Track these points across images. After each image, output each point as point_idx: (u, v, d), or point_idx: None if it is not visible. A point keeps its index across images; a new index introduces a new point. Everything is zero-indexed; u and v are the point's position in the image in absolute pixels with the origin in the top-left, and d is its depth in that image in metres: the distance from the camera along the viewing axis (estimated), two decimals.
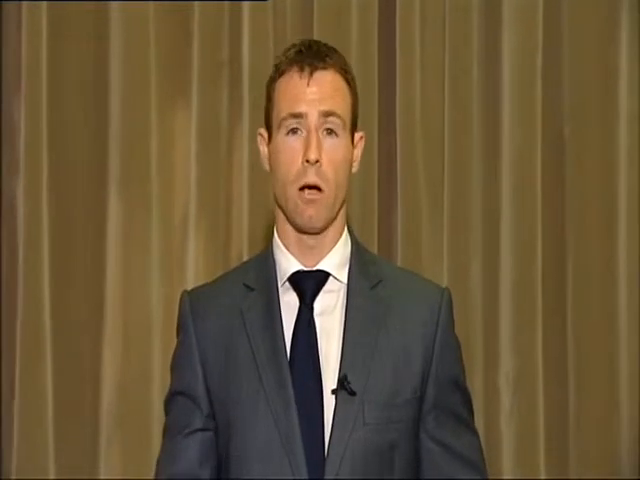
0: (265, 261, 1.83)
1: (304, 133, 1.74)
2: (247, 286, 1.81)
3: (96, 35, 2.47)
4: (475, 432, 1.85)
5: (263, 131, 1.82)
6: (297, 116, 1.74)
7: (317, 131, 1.74)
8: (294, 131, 1.75)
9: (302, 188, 1.74)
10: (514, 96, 2.56)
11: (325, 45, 1.80)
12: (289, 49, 1.80)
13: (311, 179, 1.73)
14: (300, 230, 1.78)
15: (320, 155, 1.73)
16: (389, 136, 2.54)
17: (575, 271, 2.57)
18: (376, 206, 2.53)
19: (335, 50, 1.80)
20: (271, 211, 2.38)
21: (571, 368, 2.56)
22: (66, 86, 2.46)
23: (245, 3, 2.50)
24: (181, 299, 1.85)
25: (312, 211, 1.75)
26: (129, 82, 2.48)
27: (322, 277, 1.79)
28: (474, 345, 2.46)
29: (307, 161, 1.72)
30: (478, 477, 1.82)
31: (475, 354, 2.41)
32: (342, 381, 1.72)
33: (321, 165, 1.73)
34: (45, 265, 2.43)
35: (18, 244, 2.45)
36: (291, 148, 1.74)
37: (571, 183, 2.58)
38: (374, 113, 2.51)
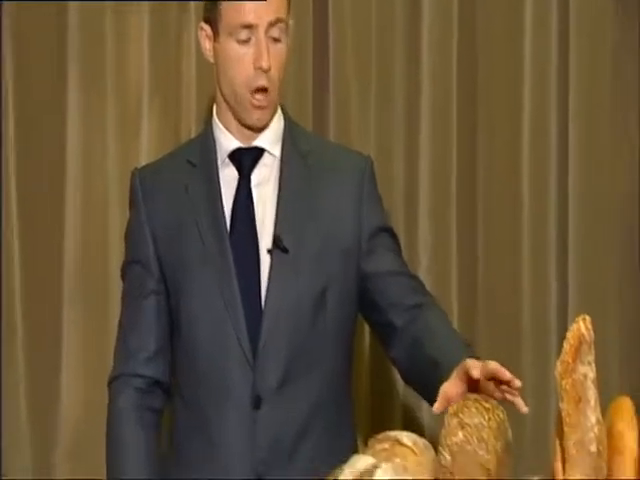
0: (205, 140, 2.00)
1: (254, 41, 1.88)
2: (190, 162, 1.99)
3: None
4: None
5: (206, 27, 1.95)
6: (248, 27, 1.87)
7: (266, 39, 1.88)
8: (245, 41, 1.88)
9: (252, 91, 1.89)
10: None
11: None
12: None
13: (262, 83, 1.89)
14: (245, 126, 1.94)
15: (270, 62, 1.87)
16: (322, 25, 2.62)
17: (484, 146, 2.71)
18: (310, 87, 2.64)
19: None
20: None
21: (480, 231, 2.71)
22: None
23: None
24: (132, 176, 2.04)
25: (260, 114, 1.93)
26: None
27: (258, 152, 1.97)
28: (396, 215, 2.59)
29: (259, 68, 1.87)
30: (430, 298, 1.99)
31: (397, 224, 2.52)
32: (276, 240, 1.91)
33: (270, 70, 1.89)
34: (11, 146, 2.54)
35: None
36: (242, 55, 1.89)
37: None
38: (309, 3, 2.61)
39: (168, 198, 1.98)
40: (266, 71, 1.89)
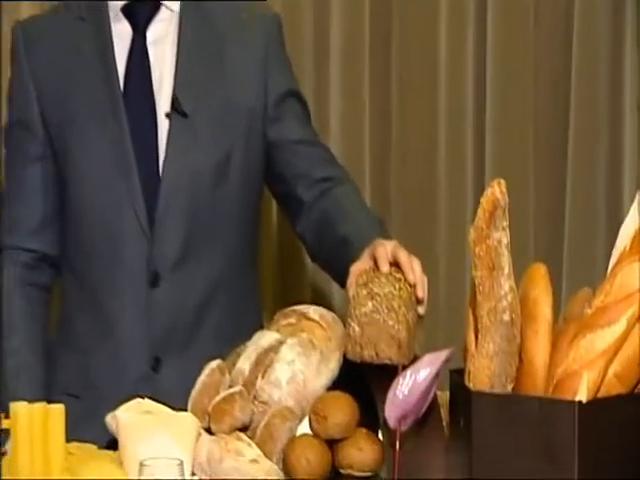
0: None
1: None
2: (79, 17, 1.91)
3: None
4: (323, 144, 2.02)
5: None
6: None
7: None
8: None
9: None
10: None
11: None
12: None
13: None
14: None
15: None
16: None
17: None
18: None
19: None
20: None
21: (394, 95, 2.67)
22: None
23: None
24: (13, 31, 1.96)
25: None
26: None
27: (154, 6, 1.91)
28: (305, 77, 2.51)
29: None
30: (341, 171, 1.96)
31: (306, 87, 2.43)
32: (174, 103, 1.86)
33: None
34: None
35: None
36: None
37: None
38: None
39: (54, 54, 1.91)
40: None
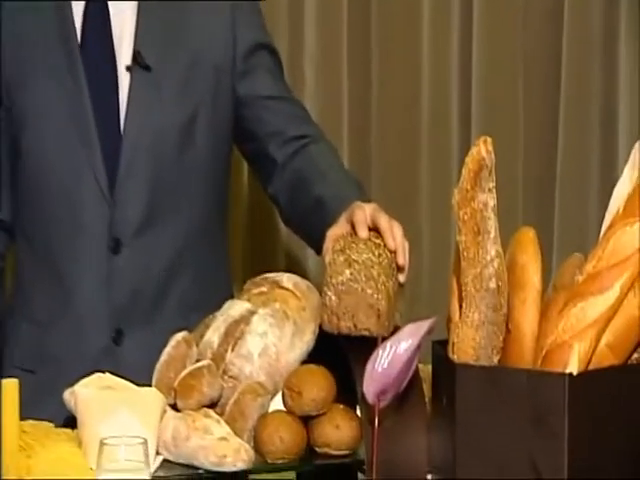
0: None
1: None
2: None
3: None
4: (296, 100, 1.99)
5: None
6: None
7: None
8: None
9: None
10: None
11: None
12: None
13: None
14: None
15: None
16: None
17: None
18: None
19: None
20: None
21: (374, 45, 2.65)
22: None
23: None
24: None
25: None
26: None
27: None
28: (279, 27, 2.51)
29: None
30: (316, 129, 1.94)
31: (279, 39, 2.44)
32: (136, 56, 1.82)
33: None
34: None
35: None
36: None
37: None
38: None
39: (10, 12, 1.85)
40: None
